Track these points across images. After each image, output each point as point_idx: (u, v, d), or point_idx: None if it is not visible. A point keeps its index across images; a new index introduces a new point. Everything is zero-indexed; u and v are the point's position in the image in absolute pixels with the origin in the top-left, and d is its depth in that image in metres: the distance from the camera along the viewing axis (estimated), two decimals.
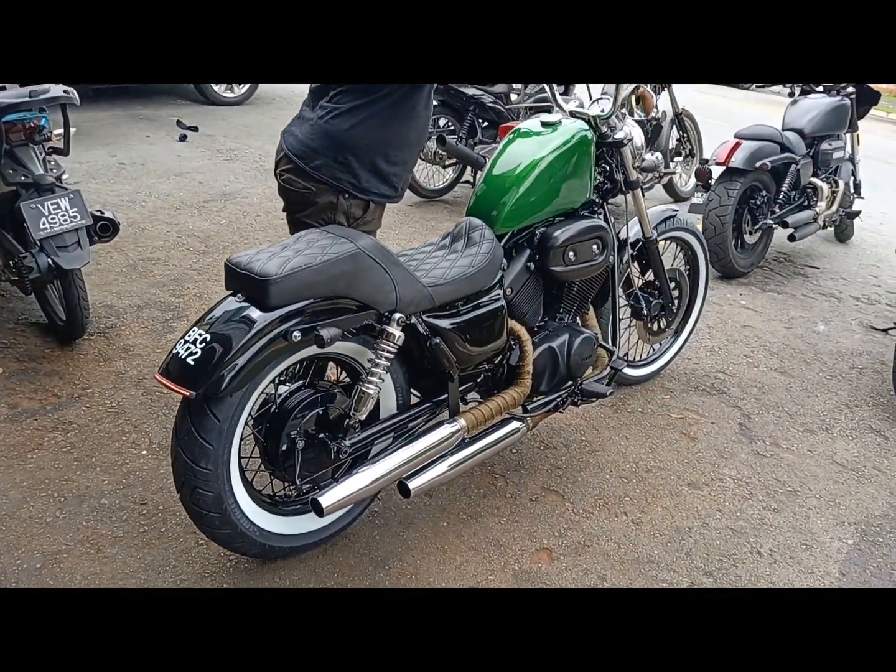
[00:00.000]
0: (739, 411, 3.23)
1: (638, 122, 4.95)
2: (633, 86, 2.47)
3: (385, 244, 2.05)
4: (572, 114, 2.59)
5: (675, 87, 5.65)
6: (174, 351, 1.82)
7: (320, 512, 1.94)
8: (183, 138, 6.31)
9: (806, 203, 4.94)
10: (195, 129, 6.59)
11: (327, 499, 1.95)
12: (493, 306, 2.29)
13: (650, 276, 3.05)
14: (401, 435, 2.20)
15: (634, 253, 2.93)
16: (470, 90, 5.30)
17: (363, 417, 2.06)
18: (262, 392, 1.96)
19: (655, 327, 3.18)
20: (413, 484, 2.13)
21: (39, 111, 2.79)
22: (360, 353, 2.09)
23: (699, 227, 3.25)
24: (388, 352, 2.03)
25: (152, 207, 4.76)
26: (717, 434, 3.04)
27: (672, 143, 5.80)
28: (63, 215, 2.76)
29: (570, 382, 2.58)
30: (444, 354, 2.17)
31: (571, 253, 2.44)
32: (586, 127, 2.50)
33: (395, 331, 2.02)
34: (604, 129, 2.55)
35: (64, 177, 3.01)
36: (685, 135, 5.86)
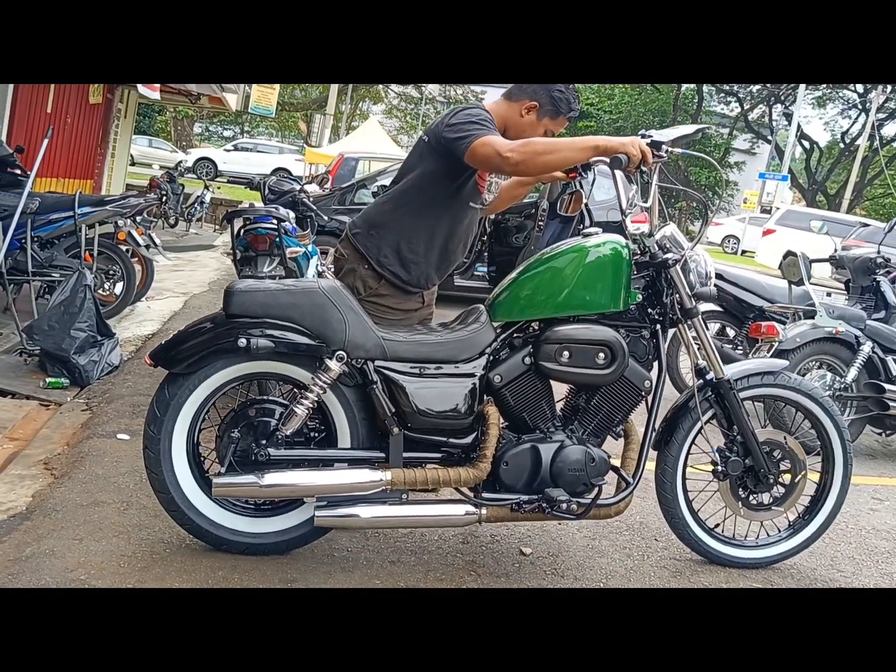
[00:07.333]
0: None
1: None
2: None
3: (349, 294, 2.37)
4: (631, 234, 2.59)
5: None
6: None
7: (210, 490, 2.24)
8: None
9: None
10: None
11: (220, 479, 2.24)
12: (460, 381, 2.38)
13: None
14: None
15: (712, 395, 2.60)
16: (757, 301, 5.10)
17: (289, 433, 2.32)
18: (216, 387, 2.37)
19: (753, 500, 2.65)
20: (320, 512, 2.27)
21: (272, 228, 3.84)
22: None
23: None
24: (323, 381, 2.30)
25: None
26: None
27: None
28: None
29: None
30: (381, 403, 2.32)
31: (566, 353, 2.38)
32: (622, 241, 2.49)
33: (334, 365, 2.29)
34: (653, 248, 2.50)
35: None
36: None
